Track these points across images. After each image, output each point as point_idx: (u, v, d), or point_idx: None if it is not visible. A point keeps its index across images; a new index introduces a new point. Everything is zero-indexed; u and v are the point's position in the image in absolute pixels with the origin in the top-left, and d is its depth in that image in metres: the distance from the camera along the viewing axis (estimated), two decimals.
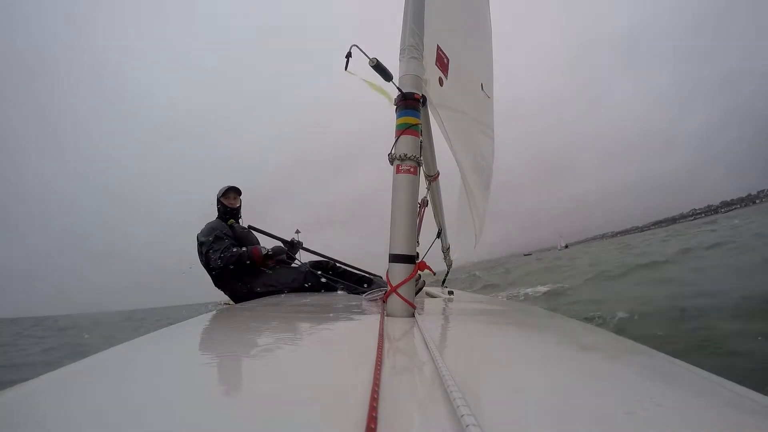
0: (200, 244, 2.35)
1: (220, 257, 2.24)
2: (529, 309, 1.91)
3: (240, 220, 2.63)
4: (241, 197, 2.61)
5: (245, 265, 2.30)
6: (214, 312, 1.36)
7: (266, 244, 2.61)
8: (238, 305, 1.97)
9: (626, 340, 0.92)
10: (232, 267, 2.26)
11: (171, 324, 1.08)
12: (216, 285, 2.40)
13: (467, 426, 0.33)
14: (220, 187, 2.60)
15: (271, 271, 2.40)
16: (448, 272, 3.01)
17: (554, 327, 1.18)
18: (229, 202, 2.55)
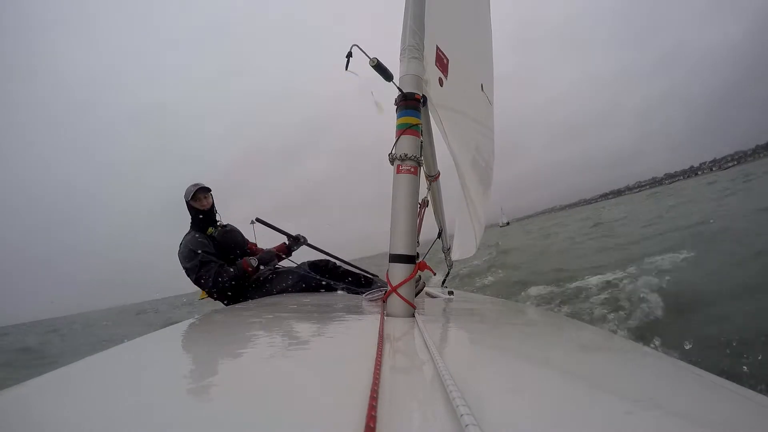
0: (186, 271, 2.18)
1: (212, 284, 2.11)
2: (529, 309, 1.91)
3: (217, 216, 2.40)
4: (211, 193, 2.35)
5: (240, 280, 2.21)
6: (214, 312, 1.36)
7: (273, 237, 2.55)
8: (237, 305, 1.97)
9: (626, 340, 0.92)
10: (226, 288, 2.17)
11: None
12: (212, 298, 2.31)
13: (466, 426, 0.33)
14: (186, 188, 2.30)
15: (271, 277, 2.32)
16: (448, 272, 3.01)
17: (554, 327, 1.18)
18: (200, 204, 2.28)
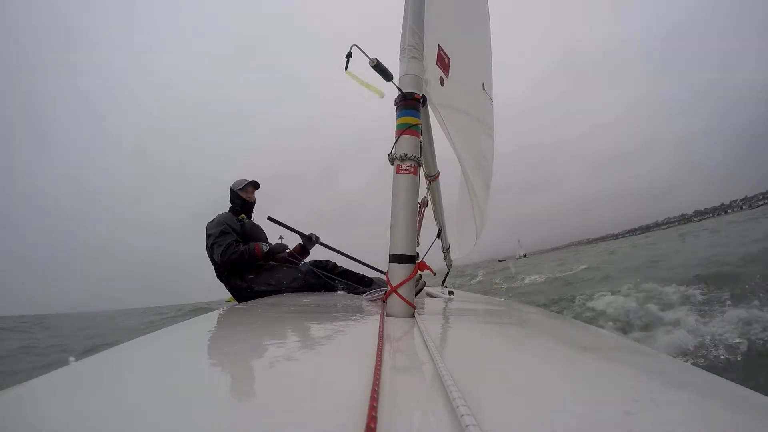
0: (207, 236, 2.39)
1: (222, 252, 2.28)
2: (529, 309, 1.91)
3: (253, 216, 2.66)
4: (256, 192, 2.66)
5: (245, 262, 2.33)
6: (214, 312, 1.36)
7: (285, 236, 2.61)
8: (238, 305, 1.97)
9: (626, 340, 0.92)
10: (232, 263, 2.30)
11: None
12: (218, 277, 2.43)
13: (467, 426, 0.33)
14: (237, 180, 2.61)
15: (272, 263, 2.43)
16: (448, 272, 3.01)
17: (554, 327, 1.18)
18: (247, 196, 2.59)
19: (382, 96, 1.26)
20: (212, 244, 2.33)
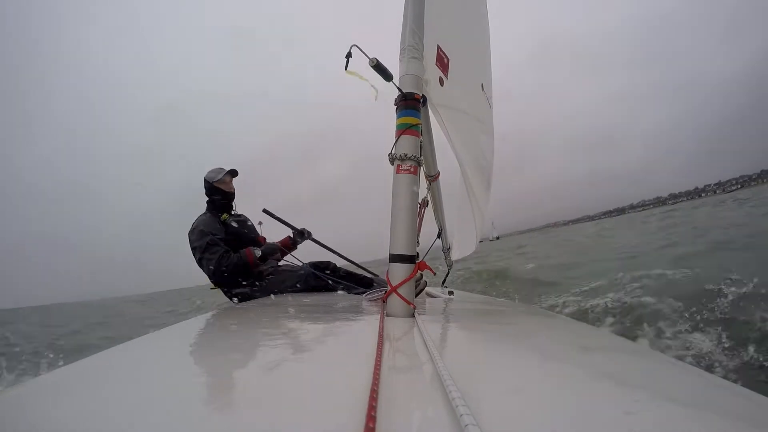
0: (193, 249, 2.22)
1: (214, 269, 2.14)
2: (529, 309, 1.91)
3: (234, 208, 2.45)
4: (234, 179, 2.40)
5: (240, 272, 2.22)
6: (214, 312, 1.36)
7: (278, 229, 2.53)
8: (237, 305, 1.97)
9: (626, 340, 0.92)
10: (226, 277, 2.18)
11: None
12: (214, 284, 2.34)
13: (466, 426, 0.33)
14: (211, 170, 2.34)
15: (269, 269, 2.34)
16: (448, 272, 3.01)
17: (554, 327, 1.18)
18: (226, 187, 2.34)
19: (375, 97, 1.26)
20: (200, 259, 2.17)
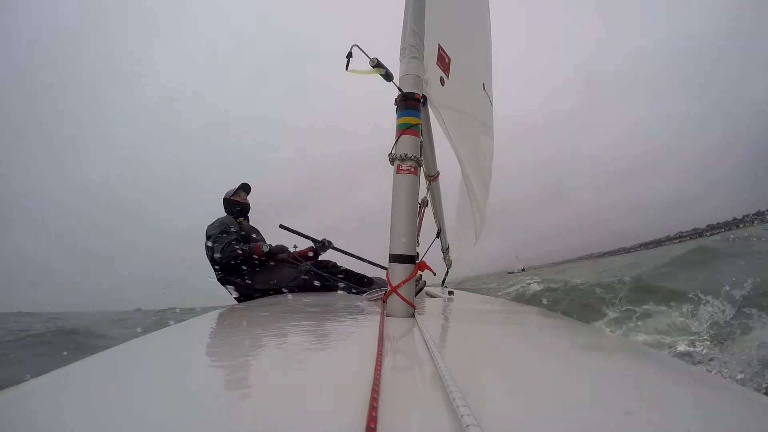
0: (207, 237, 2.43)
1: (221, 249, 2.31)
2: (529, 309, 1.91)
3: (248, 219, 2.71)
4: (248, 195, 2.74)
5: (245, 260, 2.35)
6: (214, 313, 1.36)
7: (298, 244, 2.61)
8: (238, 305, 1.97)
9: (626, 340, 0.92)
10: (232, 261, 2.31)
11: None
12: (219, 280, 2.43)
13: (467, 426, 0.33)
14: (228, 189, 2.70)
15: (272, 263, 2.44)
16: (447, 272, 3.01)
17: (554, 327, 1.18)
18: (241, 199, 2.68)
19: (374, 72, 1.25)
20: (213, 243, 2.36)
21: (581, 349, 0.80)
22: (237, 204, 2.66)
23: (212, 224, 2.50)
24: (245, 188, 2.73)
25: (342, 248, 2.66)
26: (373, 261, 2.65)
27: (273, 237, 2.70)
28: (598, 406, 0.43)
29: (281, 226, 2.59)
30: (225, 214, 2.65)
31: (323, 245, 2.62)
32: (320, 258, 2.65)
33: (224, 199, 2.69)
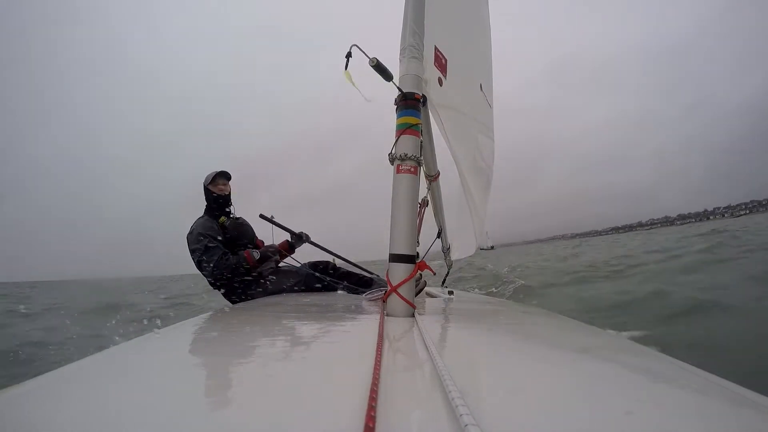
0: (191, 252, 2.22)
1: (212, 270, 2.14)
2: (529, 309, 1.91)
3: (232, 209, 2.45)
4: (230, 182, 2.43)
5: (239, 273, 2.21)
6: (213, 312, 1.36)
7: (275, 233, 2.52)
8: (238, 305, 1.97)
9: (626, 340, 0.92)
10: (225, 277, 2.18)
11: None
12: (212, 287, 2.32)
13: (466, 426, 0.33)
14: (207, 174, 2.36)
15: (272, 278, 2.32)
16: (448, 272, 3.01)
17: (554, 327, 1.18)
18: (218, 189, 2.35)
19: (364, 98, 1.27)
20: (199, 262, 2.17)
21: (581, 349, 0.80)
22: (213, 195, 2.34)
23: (191, 235, 2.23)
24: (224, 175, 2.38)
25: (318, 243, 2.60)
26: (346, 258, 2.63)
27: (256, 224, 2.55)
28: (597, 406, 0.43)
29: (261, 216, 2.46)
30: (203, 213, 2.39)
31: (300, 238, 2.52)
32: (311, 258, 2.59)
33: (204, 186, 2.38)
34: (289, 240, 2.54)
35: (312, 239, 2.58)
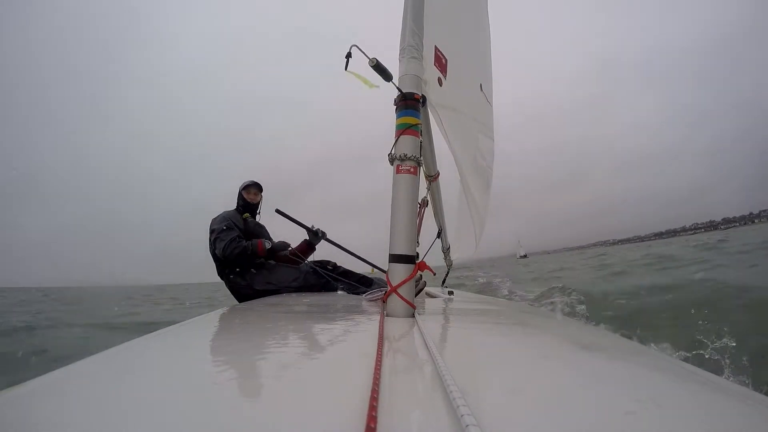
0: (210, 232, 2.42)
1: (224, 246, 2.30)
2: (529, 309, 1.91)
3: (258, 216, 2.69)
4: (262, 194, 2.69)
5: (247, 258, 2.34)
6: (215, 312, 1.36)
7: (292, 229, 2.62)
8: (238, 305, 1.97)
9: (626, 340, 0.92)
10: (234, 258, 2.31)
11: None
12: (219, 275, 2.45)
13: (467, 426, 0.33)
14: (244, 181, 2.68)
15: (272, 262, 2.44)
16: (448, 272, 3.01)
17: (554, 327, 1.18)
18: (249, 197, 2.62)
19: (371, 86, 1.26)
20: (215, 239, 2.36)
21: (581, 349, 0.80)
22: (244, 200, 2.62)
23: (216, 218, 2.48)
24: (256, 186, 2.68)
25: (335, 241, 2.65)
26: (365, 258, 2.66)
27: (269, 221, 2.71)
28: (597, 406, 0.43)
29: (277, 211, 2.58)
30: (234, 207, 2.63)
31: (316, 235, 2.62)
32: (319, 257, 2.64)
33: (239, 189, 2.67)
34: (307, 239, 2.63)
35: (328, 237, 2.62)
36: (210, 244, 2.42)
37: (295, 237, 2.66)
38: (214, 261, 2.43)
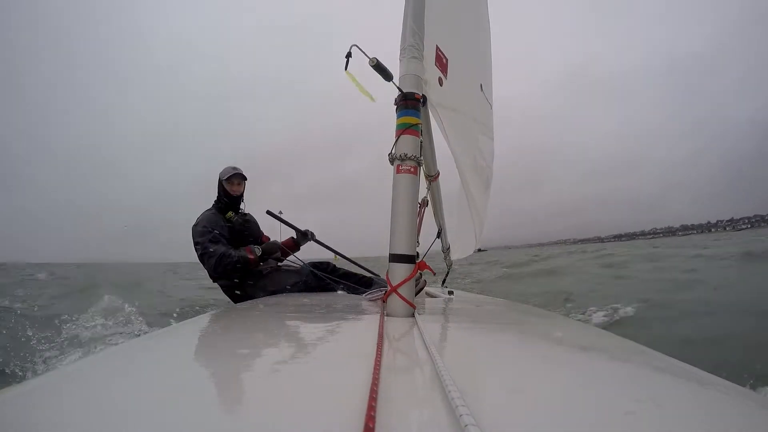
0: (195, 244, 2.24)
1: (214, 265, 2.15)
2: (528, 309, 1.91)
3: (242, 205, 2.49)
4: (245, 182, 2.46)
5: (240, 270, 2.22)
6: (214, 312, 1.36)
7: (280, 230, 2.55)
8: (238, 305, 1.97)
9: (626, 340, 0.92)
10: (226, 274, 2.20)
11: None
12: (213, 281, 2.34)
13: (466, 426, 0.33)
14: (225, 167, 2.41)
15: (269, 268, 2.35)
16: (448, 272, 3.00)
17: (554, 327, 1.18)
18: (232, 189, 2.39)
19: (373, 100, 1.27)
20: (201, 255, 2.18)
21: (581, 349, 0.80)
22: (226, 192, 2.38)
23: (197, 227, 2.25)
24: (239, 176, 2.40)
25: (324, 242, 2.62)
26: (350, 257, 2.64)
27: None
28: (597, 406, 0.43)
29: (268, 212, 2.49)
30: (212, 205, 2.40)
31: (305, 236, 2.54)
32: (312, 257, 2.59)
33: (219, 179, 2.40)
34: (294, 237, 2.55)
35: (317, 237, 2.59)
36: (198, 256, 2.22)
37: (282, 237, 2.60)
38: (205, 269, 2.27)
